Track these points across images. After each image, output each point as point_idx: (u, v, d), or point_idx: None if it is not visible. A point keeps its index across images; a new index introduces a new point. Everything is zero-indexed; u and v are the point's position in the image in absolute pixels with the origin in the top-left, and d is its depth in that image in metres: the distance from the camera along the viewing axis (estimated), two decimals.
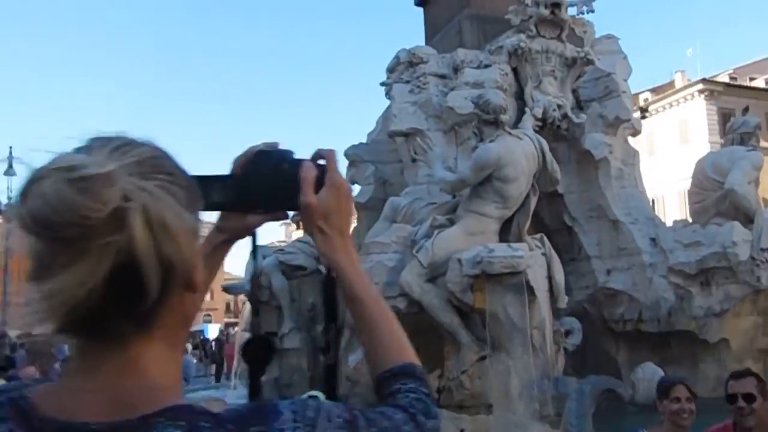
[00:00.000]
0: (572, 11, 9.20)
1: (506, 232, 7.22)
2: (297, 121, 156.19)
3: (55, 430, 0.79)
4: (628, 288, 8.24)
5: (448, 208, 7.51)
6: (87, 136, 0.85)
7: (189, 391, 16.83)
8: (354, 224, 11.83)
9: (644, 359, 8.26)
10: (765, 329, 7.66)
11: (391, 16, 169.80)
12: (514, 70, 9.10)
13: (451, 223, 7.22)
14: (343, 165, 11.55)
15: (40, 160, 0.80)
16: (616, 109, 8.83)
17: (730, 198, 7.70)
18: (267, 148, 1.13)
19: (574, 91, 9.33)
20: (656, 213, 10.16)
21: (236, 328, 28.93)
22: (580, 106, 9.29)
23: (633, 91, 10.17)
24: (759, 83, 38.11)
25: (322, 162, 1.14)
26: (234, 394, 12.05)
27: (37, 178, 0.78)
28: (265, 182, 1.11)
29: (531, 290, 6.48)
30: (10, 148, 22.14)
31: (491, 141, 6.95)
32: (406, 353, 1.10)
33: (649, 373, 6.41)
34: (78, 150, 0.83)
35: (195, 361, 25.04)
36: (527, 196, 7.19)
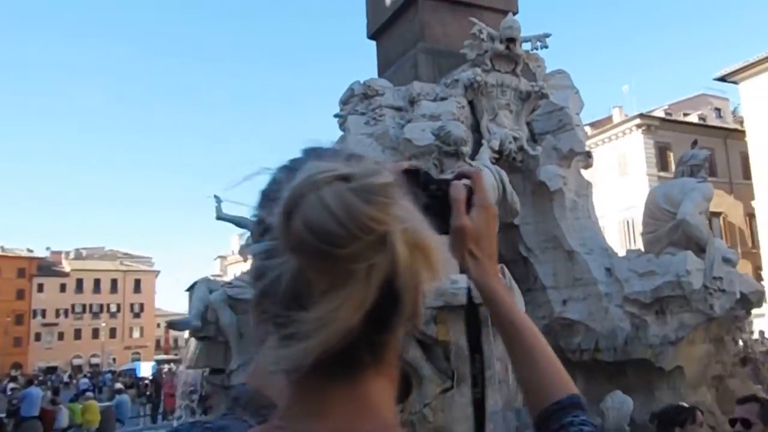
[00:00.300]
0: (526, 46, 9.39)
1: None
2: (247, 155, 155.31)
3: None
4: (585, 318, 8.33)
5: None
6: (302, 146, 0.78)
7: None
8: None
9: (601, 388, 8.33)
10: (718, 356, 7.83)
11: (337, 48, 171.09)
12: (470, 103, 9.20)
13: None
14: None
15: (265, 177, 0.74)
16: (570, 141, 9.02)
17: (682, 228, 7.91)
18: (412, 167, 1.05)
19: (528, 124, 9.49)
20: None
21: (179, 366, 28.05)
22: (534, 138, 9.45)
23: None
24: (692, 119, 39.70)
25: (466, 182, 1.08)
26: None
27: (307, 189, 0.70)
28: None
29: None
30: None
31: (452, 173, 6.98)
32: (569, 384, 1.05)
33: (618, 402, 6.45)
34: (308, 159, 0.76)
35: (128, 400, 24.25)
36: None
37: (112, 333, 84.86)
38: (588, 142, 9.77)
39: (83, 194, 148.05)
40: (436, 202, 1.03)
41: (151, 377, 32.07)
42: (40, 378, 41.20)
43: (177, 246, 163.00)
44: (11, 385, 34.50)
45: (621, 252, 9.59)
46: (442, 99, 9.24)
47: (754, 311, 8.80)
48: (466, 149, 7.11)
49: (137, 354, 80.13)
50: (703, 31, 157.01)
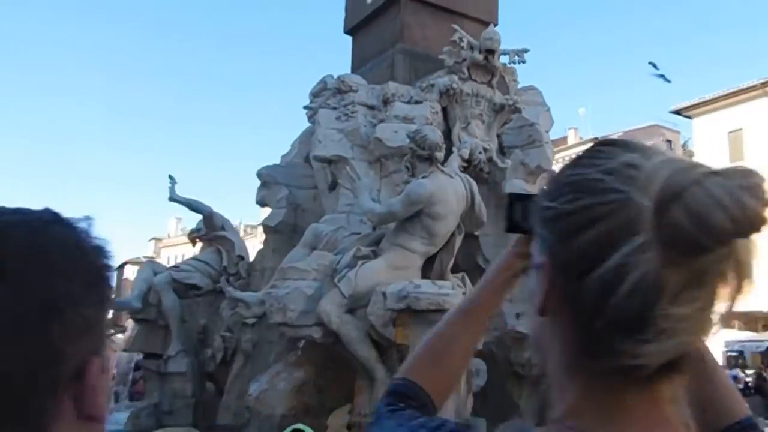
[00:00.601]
0: (504, 59, 9.44)
1: (427, 269, 7.20)
2: (207, 143, 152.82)
3: None
4: None
5: (372, 240, 7.42)
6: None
7: None
8: (260, 247, 11.51)
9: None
10: None
11: (308, 40, 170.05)
12: (444, 110, 9.21)
13: (375, 255, 7.13)
14: (255, 184, 11.32)
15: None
16: (539, 158, 9.09)
17: None
18: None
19: (498, 137, 9.53)
20: None
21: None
22: (502, 151, 9.50)
23: None
24: None
25: None
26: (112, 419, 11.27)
27: (688, 183, 0.67)
28: None
29: None
30: None
31: (424, 177, 6.95)
32: (745, 405, 1.06)
33: None
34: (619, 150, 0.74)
35: None
36: (452, 235, 7.23)
37: None
38: None
39: (3, 164, 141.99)
40: None
41: None
42: None
43: (107, 224, 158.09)
44: None
45: None
46: (417, 102, 9.22)
47: None
48: (440, 155, 7.08)
49: None
50: (664, 63, 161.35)
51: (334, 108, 9.78)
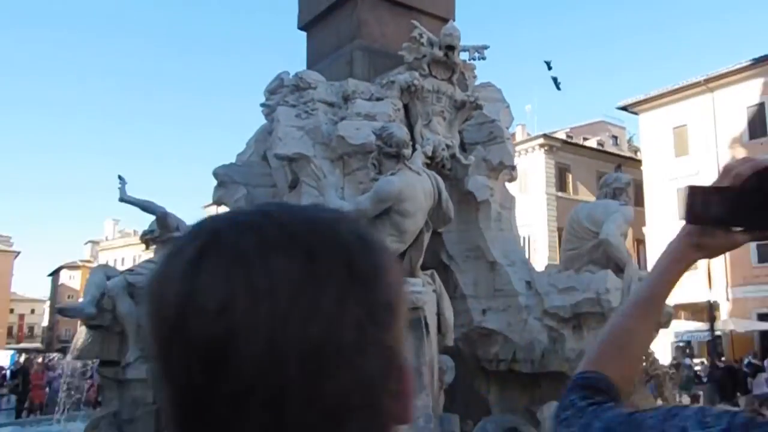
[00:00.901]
0: (464, 56, 9.43)
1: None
2: (157, 142, 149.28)
3: None
4: (503, 328, 8.42)
5: None
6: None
7: None
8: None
9: (514, 398, 8.47)
10: None
11: (259, 37, 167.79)
12: (405, 107, 9.15)
13: None
14: (211, 184, 11.09)
15: None
16: (500, 154, 9.12)
17: (604, 247, 8.14)
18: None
19: (459, 133, 9.52)
20: None
21: (65, 357, 26.18)
22: (463, 148, 9.49)
23: None
24: (592, 143, 41.51)
25: None
26: (65, 429, 10.90)
27: None
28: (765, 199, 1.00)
29: (426, 327, 6.41)
30: None
31: (392, 174, 6.88)
32: None
33: (554, 412, 6.52)
34: None
35: None
36: (421, 232, 7.18)
37: None
38: None
39: None
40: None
41: (12, 368, 29.48)
42: None
43: (42, 227, 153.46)
44: None
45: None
46: (378, 99, 9.13)
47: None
48: (407, 152, 7.02)
49: None
50: (608, 60, 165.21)
51: (293, 105, 9.60)
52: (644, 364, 9.52)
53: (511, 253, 8.97)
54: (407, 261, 7.08)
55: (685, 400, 18.40)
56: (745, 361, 23.49)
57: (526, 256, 9.94)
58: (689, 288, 17.60)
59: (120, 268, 12.53)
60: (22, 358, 33.79)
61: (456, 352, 8.41)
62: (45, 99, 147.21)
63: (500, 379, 8.50)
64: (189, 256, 0.64)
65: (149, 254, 12.52)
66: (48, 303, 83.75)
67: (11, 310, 76.66)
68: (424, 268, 8.25)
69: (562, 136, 40.08)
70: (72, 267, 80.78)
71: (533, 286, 8.48)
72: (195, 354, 0.60)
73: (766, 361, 23.60)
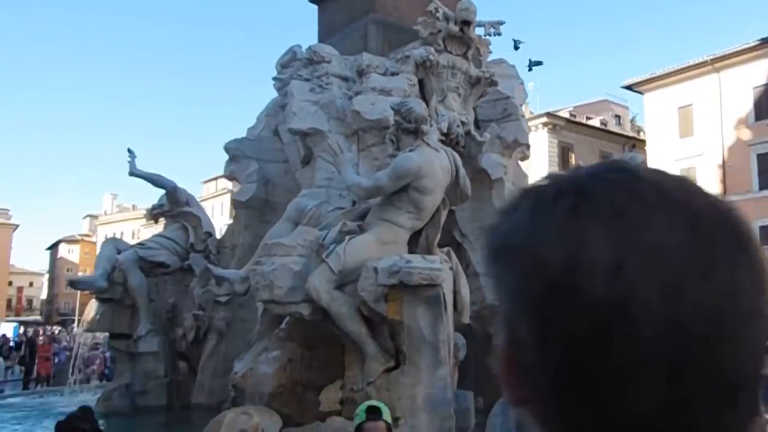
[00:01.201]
0: (479, 31, 9.34)
1: (413, 243, 7.12)
2: (156, 117, 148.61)
3: None
4: None
5: (357, 214, 7.29)
6: None
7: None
8: (229, 222, 11.24)
9: None
10: None
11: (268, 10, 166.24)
12: (420, 82, 9.07)
13: (361, 229, 7.01)
14: (210, 160, 11.04)
15: None
16: (515, 132, 9.08)
17: None
18: None
19: (473, 110, 9.46)
20: None
21: (76, 327, 26.26)
22: (477, 125, 9.44)
23: None
24: (595, 123, 41.31)
25: None
26: (75, 401, 10.95)
27: None
28: None
29: (444, 304, 6.42)
30: None
31: (411, 150, 6.84)
32: None
33: None
34: None
35: None
36: (438, 210, 7.16)
37: None
38: None
39: None
40: None
41: (16, 339, 29.64)
42: None
43: (41, 201, 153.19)
44: None
45: None
46: (393, 74, 9.06)
47: None
48: (426, 127, 6.97)
49: None
50: (615, 37, 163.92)
51: (307, 79, 9.53)
52: None
53: None
54: (424, 238, 7.06)
55: None
56: None
57: None
58: None
59: None
60: (28, 331, 33.95)
61: (468, 330, 8.44)
62: (45, 73, 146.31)
63: None
64: (563, 211, 0.59)
65: (150, 228, 12.49)
66: (47, 276, 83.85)
67: (10, 283, 76.57)
68: (439, 245, 8.26)
69: (565, 114, 39.87)
70: (71, 241, 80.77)
71: None
72: (585, 315, 0.56)
73: None
